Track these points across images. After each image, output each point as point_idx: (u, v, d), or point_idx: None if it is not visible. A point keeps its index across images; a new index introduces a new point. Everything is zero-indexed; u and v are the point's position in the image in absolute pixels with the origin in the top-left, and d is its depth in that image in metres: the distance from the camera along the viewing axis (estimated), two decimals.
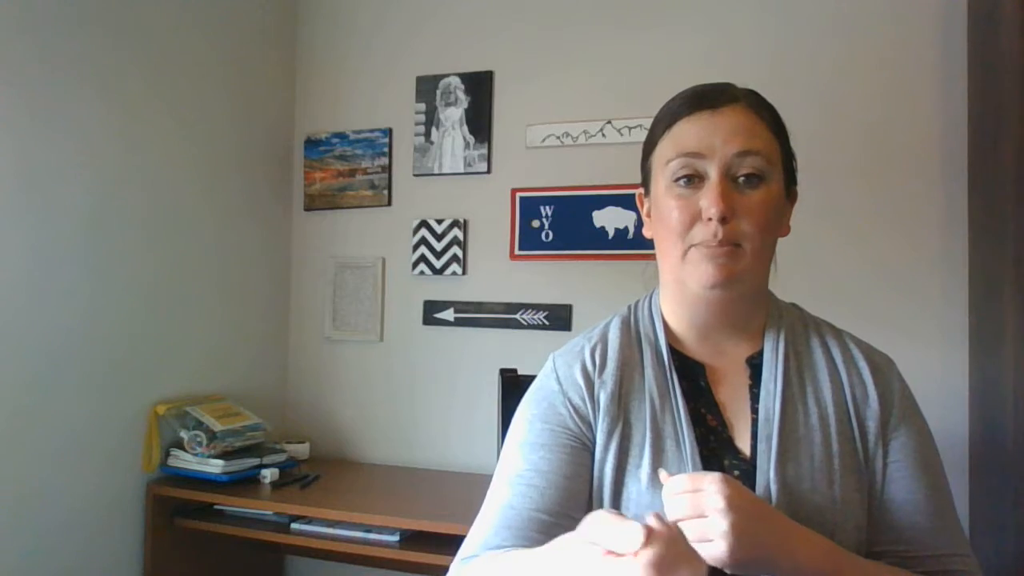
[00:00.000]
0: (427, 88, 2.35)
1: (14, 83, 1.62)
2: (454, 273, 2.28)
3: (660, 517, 0.60)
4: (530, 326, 2.20)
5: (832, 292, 1.89)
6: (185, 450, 1.95)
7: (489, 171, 2.27)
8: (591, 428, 0.88)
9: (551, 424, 0.89)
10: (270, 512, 1.87)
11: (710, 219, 0.82)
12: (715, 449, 0.86)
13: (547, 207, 2.19)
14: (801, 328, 0.93)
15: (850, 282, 1.92)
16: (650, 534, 0.56)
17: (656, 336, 0.92)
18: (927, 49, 1.89)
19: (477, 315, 2.26)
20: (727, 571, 0.72)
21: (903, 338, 1.80)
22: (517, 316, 2.21)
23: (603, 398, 0.88)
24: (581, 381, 0.90)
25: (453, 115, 2.31)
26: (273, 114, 2.45)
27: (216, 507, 1.94)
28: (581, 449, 0.87)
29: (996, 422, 1.60)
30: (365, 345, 2.40)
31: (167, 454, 1.98)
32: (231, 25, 2.25)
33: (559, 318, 2.16)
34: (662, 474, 0.78)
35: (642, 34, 2.13)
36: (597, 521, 0.61)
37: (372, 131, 2.42)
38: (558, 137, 2.19)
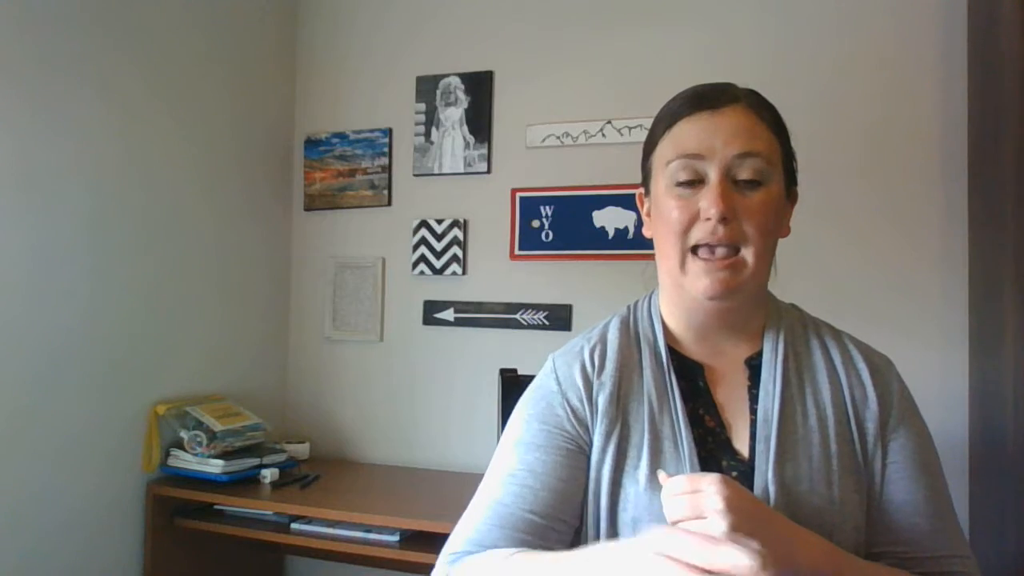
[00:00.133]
0: (427, 88, 2.35)
1: (14, 83, 1.62)
2: (454, 273, 2.28)
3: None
4: (530, 326, 2.20)
5: (832, 292, 1.89)
6: (185, 450, 1.95)
7: (489, 171, 2.27)
8: (588, 431, 0.88)
9: (548, 425, 0.89)
10: (270, 512, 1.87)
11: (709, 219, 0.82)
12: (713, 450, 0.86)
13: (547, 207, 2.19)
14: (800, 329, 0.93)
15: (850, 282, 1.92)
16: (764, 559, 0.58)
17: (655, 337, 0.92)
18: (927, 49, 1.89)
19: (477, 315, 2.26)
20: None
21: (903, 338, 1.80)
22: (517, 316, 2.21)
23: (602, 400, 0.88)
24: (580, 383, 0.90)
25: (453, 115, 2.31)
26: (273, 114, 2.45)
27: (216, 507, 1.94)
28: (577, 452, 0.87)
29: (996, 423, 1.60)
30: (365, 345, 2.40)
31: (167, 454, 1.98)
32: (231, 25, 2.25)
33: (559, 318, 2.16)
34: (661, 475, 0.78)
35: (642, 34, 2.13)
36: (679, 535, 0.63)
37: (372, 131, 2.42)
38: (558, 137, 2.19)
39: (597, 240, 2.13)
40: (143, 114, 1.94)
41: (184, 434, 1.95)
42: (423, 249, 2.32)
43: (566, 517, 0.85)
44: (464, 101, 2.30)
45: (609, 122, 2.14)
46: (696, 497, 0.72)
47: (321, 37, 2.51)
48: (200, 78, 2.12)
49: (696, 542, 0.62)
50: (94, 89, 1.80)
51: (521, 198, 2.22)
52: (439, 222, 2.30)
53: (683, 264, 0.85)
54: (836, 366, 0.89)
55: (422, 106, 2.35)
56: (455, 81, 2.31)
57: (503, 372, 1.44)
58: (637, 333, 0.94)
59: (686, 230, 0.84)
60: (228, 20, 2.23)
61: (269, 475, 1.98)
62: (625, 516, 0.83)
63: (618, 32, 2.16)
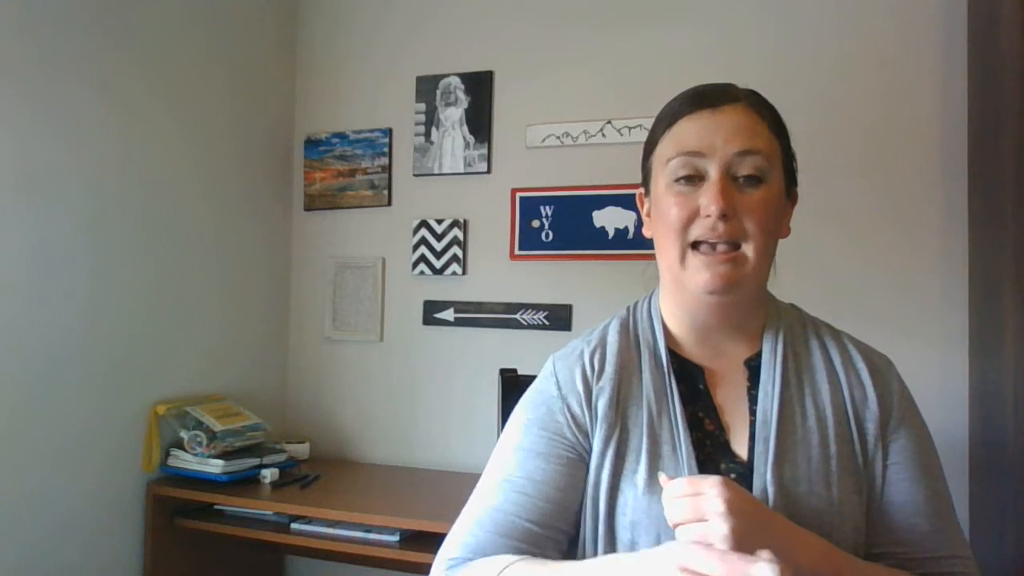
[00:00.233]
0: (427, 88, 2.35)
1: (14, 83, 1.62)
2: (454, 273, 2.28)
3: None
4: (530, 326, 2.20)
5: (832, 292, 1.89)
6: (185, 450, 1.95)
7: (489, 171, 2.27)
8: (588, 438, 0.88)
9: (548, 432, 0.89)
10: (270, 512, 1.87)
11: (709, 215, 0.82)
12: (711, 453, 0.86)
13: (547, 207, 2.19)
14: (800, 329, 0.93)
15: (850, 282, 1.92)
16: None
17: (655, 339, 0.92)
18: (927, 49, 1.89)
19: (477, 315, 2.26)
20: None
21: (903, 338, 1.80)
22: (517, 316, 2.21)
23: (601, 404, 0.88)
24: (581, 388, 0.89)
25: (453, 115, 2.31)
26: (273, 114, 2.45)
27: (216, 507, 1.94)
28: (576, 460, 0.87)
29: (996, 423, 1.60)
30: (365, 345, 2.40)
31: (167, 454, 1.98)
32: (231, 25, 2.25)
33: (559, 318, 2.16)
34: (662, 477, 0.78)
35: (642, 34, 2.13)
36: (698, 550, 0.63)
37: (372, 131, 2.42)
38: (558, 137, 2.19)
39: (597, 240, 2.13)
40: (143, 114, 1.93)
41: (184, 434, 1.95)
42: (423, 249, 2.32)
43: (563, 526, 0.85)
44: (464, 101, 2.30)
45: (609, 122, 2.14)
46: (697, 500, 0.71)
47: (321, 37, 2.51)
48: (200, 78, 2.12)
49: (717, 556, 0.62)
50: (94, 89, 1.80)
51: (521, 198, 2.22)
52: (439, 222, 2.30)
53: (683, 259, 0.85)
54: (835, 366, 0.89)
55: (422, 106, 2.35)
56: (455, 81, 2.31)
57: (503, 372, 1.44)
58: (637, 335, 0.93)
59: (686, 227, 0.84)
60: (228, 20, 2.23)
61: (269, 475, 1.98)
62: (624, 520, 0.83)
63: (618, 32, 2.16)
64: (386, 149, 2.40)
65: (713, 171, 0.83)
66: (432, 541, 1.65)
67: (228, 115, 2.23)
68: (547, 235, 2.18)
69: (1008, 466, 1.51)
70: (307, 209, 2.49)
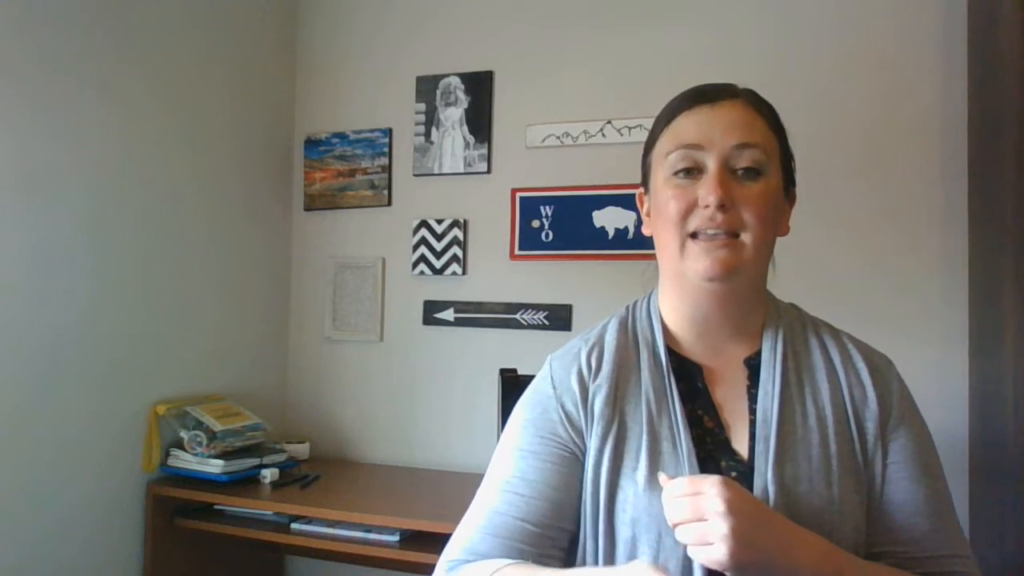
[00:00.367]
0: (427, 88, 2.35)
1: (14, 83, 1.62)
2: (454, 273, 2.28)
3: None
4: (530, 326, 2.20)
5: (832, 292, 1.89)
6: (185, 450, 1.95)
7: (489, 171, 2.27)
8: (583, 437, 0.88)
9: (543, 432, 0.89)
10: (270, 512, 1.87)
11: (708, 206, 0.82)
12: (712, 451, 0.86)
13: (547, 207, 2.19)
14: (799, 328, 0.93)
15: (850, 282, 1.92)
16: None
17: (654, 337, 0.92)
18: (927, 49, 1.89)
19: (477, 315, 2.26)
20: (727, 574, 0.72)
21: (903, 338, 1.80)
22: (517, 316, 2.21)
23: (598, 403, 0.88)
24: (576, 387, 0.90)
25: (453, 115, 2.31)
26: (273, 114, 2.45)
27: (216, 507, 1.94)
28: (571, 459, 0.87)
29: (996, 423, 1.60)
30: (365, 345, 2.40)
31: (167, 454, 1.98)
32: (231, 25, 2.25)
33: (559, 318, 2.16)
34: (662, 477, 0.78)
35: (642, 34, 2.13)
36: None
37: (372, 131, 2.42)
38: (558, 137, 2.19)
39: (597, 240, 2.13)
40: (143, 114, 1.94)
41: (184, 434, 1.95)
42: (423, 249, 2.32)
43: (562, 524, 0.86)
44: (464, 101, 2.30)
45: (609, 122, 2.14)
46: (697, 499, 0.72)
47: (321, 37, 2.51)
48: (200, 78, 2.12)
49: None
50: (94, 89, 1.80)
51: (521, 198, 2.22)
52: (439, 222, 2.30)
53: (682, 249, 0.85)
54: (835, 366, 0.89)
55: (422, 106, 2.35)
56: (455, 81, 2.31)
57: (503, 372, 1.44)
58: (635, 334, 0.93)
59: (684, 218, 0.85)
60: (228, 20, 2.23)
61: (269, 475, 1.98)
62: (624, 517, 0.83)
63: (618, 32, 2.16)
64: (386, 149, 2.40)
65: (711, 163, 0.84)
66: (432, 541, 1.66)
67: (228, 115, 2.23)
68: (547, 235, 2.19)
69: (1008, 466, 1.51)
70: (307, 209, 2.49)
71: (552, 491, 0.85)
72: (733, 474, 0.84)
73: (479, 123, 2.28)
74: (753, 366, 0.90)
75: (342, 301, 2.43)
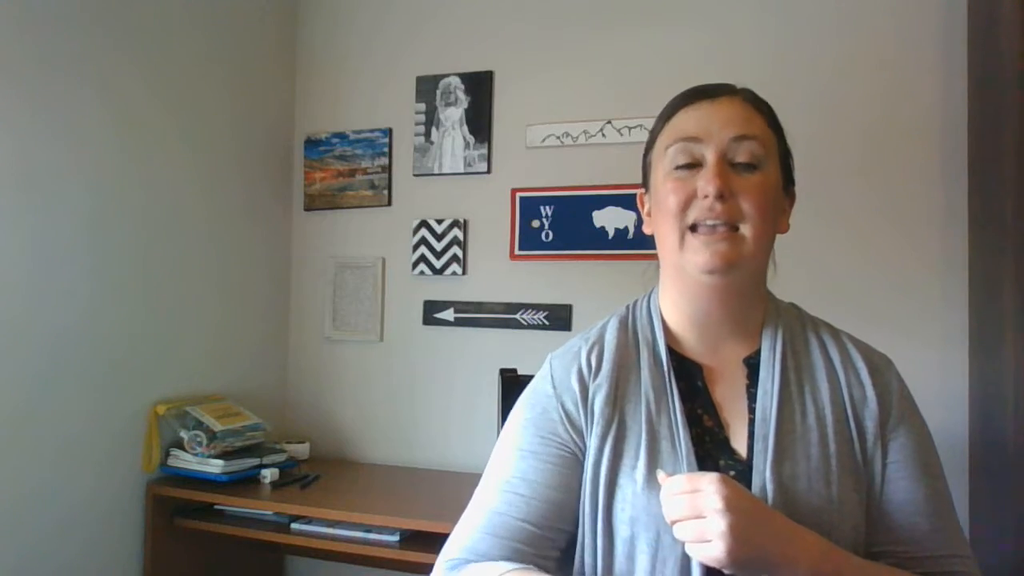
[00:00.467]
0: (427, 88, 2.35)
1: (14, 83, 1.62)
2: (454, 273, 2.28)
3: None
4: (530, 326, 2.20)
5: (832, 292, 1.89)
6: (185, 450, 1.95)
7: (489, 171, 2.27)
8: (582, 436, 0.88)
9: (542, 432, 0.89)
10: (270, 512, 1.87)
11: (707, 196, 0.83)
12: (710, 449, 0.86)
13: (547, 207, 2.19)
14: (799, 328, 0.93)
15: (850, 282, 1.92)
16: None
17: (654, 336, 0.92)
18: (927, 49, 1.89)
19: (477, 315, 2.26)
20: (725, 571, 0.72)
21: (903, 338, 1.80)
22: (517, 316, 2.21)
23: (598, 402, 0.88)
24: (576, 386, 0.90)
25: (453, 115, 2.31)
26: (273, 114, 2.45)
27: (216, 507, 1.94)
28: (571, 459, 0.87)
29: (996, 423, 1.60)
30: (365, 345, 2.40)
31: (167, 454, 1.98)
32: (231, 25, 2.25)
33: (559, 318, 2.16)
34: (660, 475, 0.78)
35: (642, 34, 2.13)
36: None
37: (372, 131, 2.42)
38: (558, 137, 2.19)
39: (597, 240, 2.12)
40: (143, 114, 1.93)
41: (184, 434, 1.95)
42: (423, 249, 2.32)
43: (561, 525, 0.86)
44: (464, 101, 2.30)
45: (609, 122, 2.14)
46: (695, 496, 0.72)
47: (321, 37, 2.51)
48: (200, 78, 2.12)
49: None
50: (94, 89, 1.80)
51: (521, 198, 2.22)
52: (439, 222, 2.30)
53: (682, 242, 0.86)
54: (835, 365, 0.89)
55: (422, 106, 2.35)
56: (455, 81, 2.31)
57: (503, 372, 1.44)
58: (636, 332, 0.94)
59: (683, 210, 0.85)
60: (228, 20, 2.23)
61: (269, 475, 1.98)
62: (623, 515, 0.83)
63: (618, 32, 2.16)
64: (386, 149, 2.40)
65: (710, 156, 0.85)
66: (432, 541, 1.65)
67: (228, 115, 2.23)
68: (547, 235, 2.19)
69: (1008, 466, 1.51)
70: (307, 209, 2.49)
71: (552, 492, 0.85)
72: (732, 473, 0.84)
73: (479, 123, 2.28)
74: (752, 365, 0.90)
75: (342, 301, 2.43)
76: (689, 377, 0.90)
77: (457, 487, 2.00)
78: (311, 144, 2.49)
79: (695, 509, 0.71)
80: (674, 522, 0.74)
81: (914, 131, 1.89)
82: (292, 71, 2.53)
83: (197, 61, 2.11)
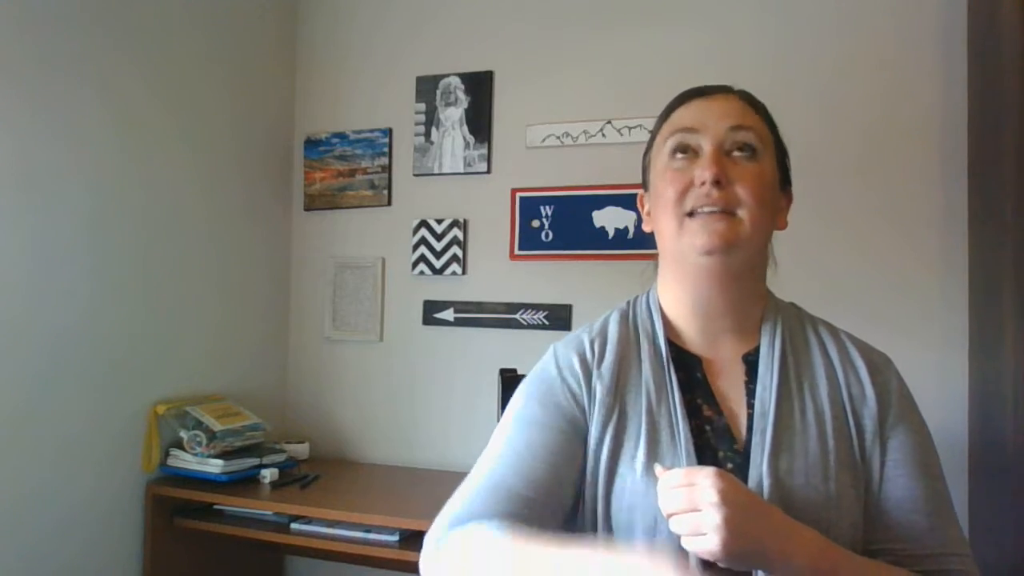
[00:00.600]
0: (427, 88, 2.35)
1: (14, 83, 1.62)
2: (454, 273, 2.28)
3: None
4: (530, 326, 2.20)
5: (832, 292, 1.89)
6: (185, 450, 1.95)
7: (489, 171, 2.27)
8: (586, 416, 0.89)
9: (547, 405, 0.90)
10: (270, 512, 1.87)
11: (704, 183, 0.84)
12: (709, 439, 0.86)
13: (547, 207, 2.19)
14: (798, 326, 0.93)
15: (850, 282, 1.91)
16: None
17: (654, 329, 0.93)
18: (927, 49, 1.89)
19: (477, 315, 2.26)
20: (720, 565, 0.73)
21: (903, 338, 1.80)
22: (517, 316, 2.21)
23: (600, 390, 0.89)
24: (580, 370, 0.91)
25: (453, 115, 2.31)
26: (273, 114, 2.45)
27: (216, 507, 1.94)
28: (572, 434, 0.88)
29: (996, 423, 1.60)
30: (365, 345, 2.40)
31: (167, 454, 1.98)
32: (231, 25, 2.25)
33: (559, 318, 2.16)
34: (657, 468, 0.79)
35: (642, 34, 2.13)
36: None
37: (372, 131, 2.42)
38: (558, 137, 2.19)
39: (597, 240, 2.13)
40: (143, 114, 1.94)
41: (184, 434, 1.95)
42: (423, 249, 2.32)
43: (560, 495, 0.86)
44: (464, 101, 2.30)
45: (609, 122, 2.14)
46: (692, 490, 0.72)
47: (321, 37, 2.51)
48: (200, 78, 2.12)
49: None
50: (94, 89, 1.80)
51: (521, 198, 2.22)
52: (439, 222, 2.30)
53: (680, 226, 0.87)
54: (833, 363, 0.90)
55: (422, 106, 2.35)
56: (455, 81, 2.32)
57: (503, 372, 1.44)
58: (636, 326, 0.95)
59: (681, 198, 0.86)
60: (228, 20, 2.23)
61: (269, 475, 1.98)
62: (621, 503, 0.84)
63: (618, 32, 2.16)
64: (386, 149, 2.40)
65: (706, 145, 0.87)
66: None
67: (228, 115, 2.23)
68: (547, 235, 2.19)
69: (1008, 466, 1.51)
70: (307, 209, 2.49)
71: (554, 458, 0.86)
72: (729, 465, 0.84)
73: (479, 123, 2.28)
74: (751, 362, 0.90)
75: (342, 301, 2.43)
76: (688, 369, 0.91)
77: (457, 487, 2.00)
78: (311, 144, 2.49)
79: (691, 502, 0.72)
80: (670, 515, 0.74)
81: (914, 131, 1.89)
82: (292, 71, 2.53)
83: (197, 61, 2.11)
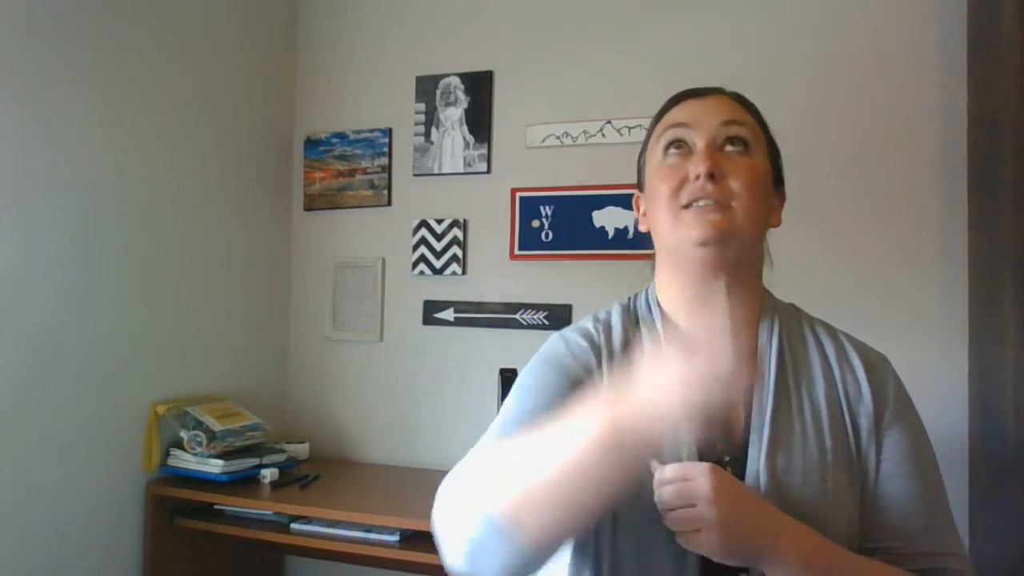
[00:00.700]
0: (427, 88, 2.35)
1: (11, 82, 1.61)
2: (454, 273, 2.28)
3: None
4: (530, 326, 2.20)
5: (831, 292, 1.89)
6: (185, 450, 1.95)
7: (489, 171, 2.27)
8: (593, 382, 0.89)
9: (556, 370, 0.90)
10: (270, 512, 1.87)
11: (698, 177, 0.85)
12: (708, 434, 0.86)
13: (547, 207, 2.19)
14: (796, 325, 0.93)
15: (849, 282, 1.91)
16: None
17: (654, 323, 0.94)
18: (927, 49, 1.89)
19: (477, 315, 2.26)
20: (715, 560, 0.73)
21: (902, 338, 1.79)
22: (517, 316, 2.21)
23: (608, 372, 0.90)
24: (590, 349, 0.92)
25: (453, 115, 2.31)
26: (273, 114, 2.45)
27: (216, 507, 1.94)
28: (580, 394, 0.88)
29: (996, 422, 1.60)
30: (365, 345, 2.40)
31: (167, 454, 1.98)
32: (231, 25, 2.25)
33: (559, 318, 2.16)
34: (653, 464, 0.78)
35: (642, 34, 2.13)
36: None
37: (372, 131, 2.42)
38: (558, 137, 2.19)
39: (597, 240, 2.13)
40: (142, 114, 1.94)
41: (184, 434, 1.95)
42: (423, 249, 2.32)
43: None
44: (464, 101, 2.30)
45: (609, 122, 2.14)
46: (686, 485, 0.73)
47: (321, 37, 2.51)
48: (200, 78, 2.12)
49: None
50: (92, 89, 1.80)
51: (521, 198, 2.22)
52: (439, 222, 2.30)
53: (675, 220, 0.87)
54: (830, 361, 0.90)
55: (422, 106, 2.35)
56: (455, 81, 2.32)
57: (503, 372, 1.44)
58: (637, 319, 0.96)
59: (676, 192, 0.87)
60: (228, 20, 2.23)
61: (269, 475, 1.98)
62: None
63: (618, 33, 2.15)
64: (386, 149, 2.40)
65: (699, 141, 0.88)
66: (432, 541, 1.65)
67: (228, 116, 2.23)
68: (547, 235, 2.19)
69: (1008, 465, 1.51)
70: (307, 209, 2.49)
71: (563, 401, 0.84)
72: (727, 458, 0.84)
73: (479, 123, 2.28)
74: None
75: (342, 301, 2.43)
76: None
77: None
78: (311, 144, 2.49)
79: (686, 498, 0.72)
80: (665, 511, 0.74)
81: (913, 131, 1.89)
82: (292, 71, 2.53)
83: (197, 61, 2.11)
